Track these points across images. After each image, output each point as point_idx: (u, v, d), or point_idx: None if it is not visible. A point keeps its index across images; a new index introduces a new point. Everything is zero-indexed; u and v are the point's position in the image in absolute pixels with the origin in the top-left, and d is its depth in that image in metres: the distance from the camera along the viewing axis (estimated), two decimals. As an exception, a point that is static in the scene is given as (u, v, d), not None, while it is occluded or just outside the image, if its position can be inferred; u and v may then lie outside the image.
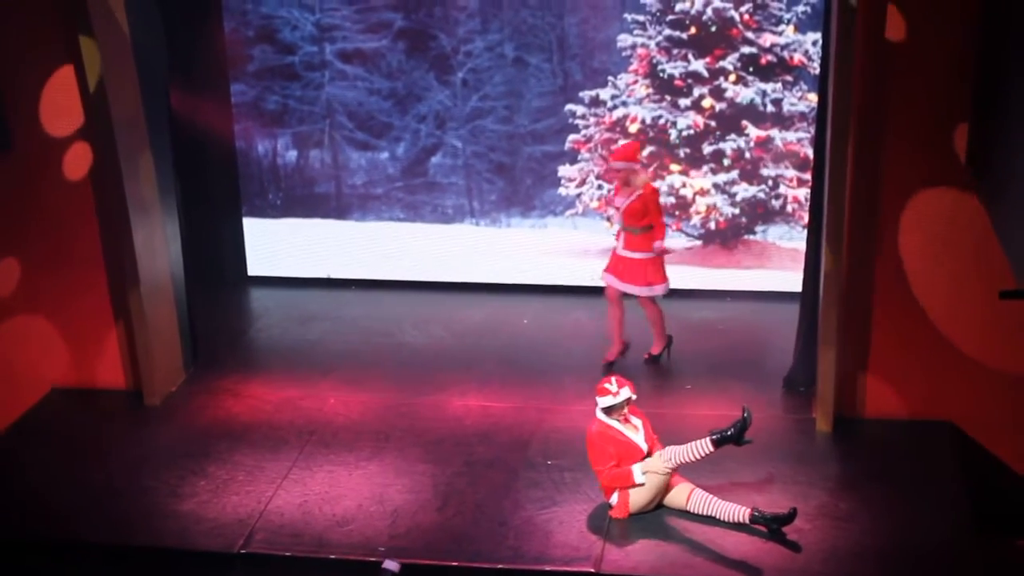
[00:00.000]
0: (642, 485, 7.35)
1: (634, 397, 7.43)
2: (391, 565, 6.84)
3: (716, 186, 10.63)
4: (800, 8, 10.21)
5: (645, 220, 9.12)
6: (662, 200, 10.74)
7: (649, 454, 7.46)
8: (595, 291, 10.79)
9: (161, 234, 9.00)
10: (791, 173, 10.45)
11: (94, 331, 9.14)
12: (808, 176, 9.88)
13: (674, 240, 10.82)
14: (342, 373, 9.44)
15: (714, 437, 7.29)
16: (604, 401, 7.42)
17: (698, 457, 7.32)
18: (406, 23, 10.75)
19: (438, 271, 11.20)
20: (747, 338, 9.86)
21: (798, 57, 10.32)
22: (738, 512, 7.27)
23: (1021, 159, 6.36)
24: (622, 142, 9.28)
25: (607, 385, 7.42)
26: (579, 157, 10.81)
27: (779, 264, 10.63)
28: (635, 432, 7.49)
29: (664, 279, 9.29)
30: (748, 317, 9.93)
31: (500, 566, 7.07)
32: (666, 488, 7.46)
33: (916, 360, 8.31)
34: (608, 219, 10.74)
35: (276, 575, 7.26)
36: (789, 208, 10.58)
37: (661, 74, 10.52)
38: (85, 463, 8.27)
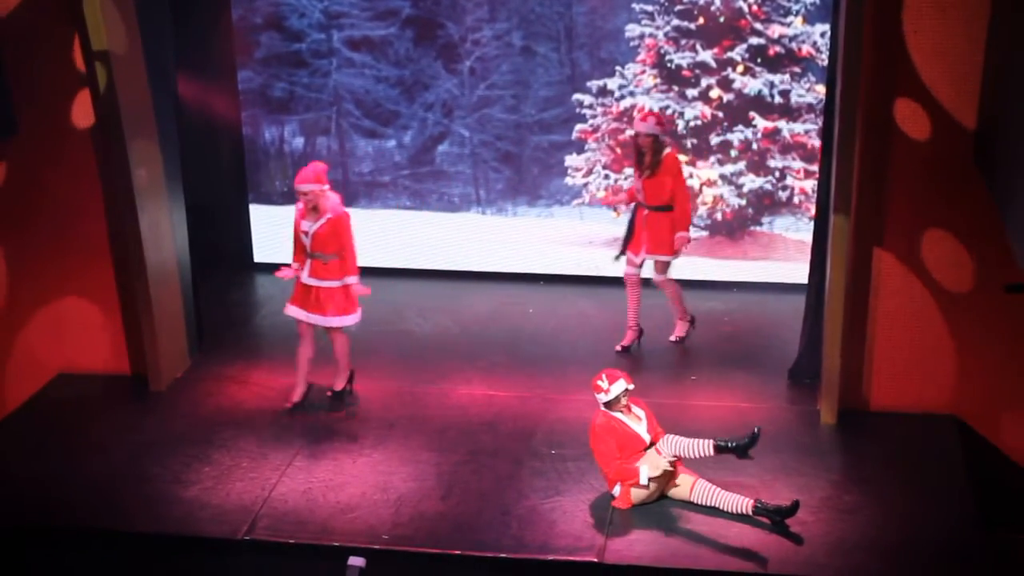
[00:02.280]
0: (646, 487, 7.37)
1: (631, 388, 7.44)
2: (356, 561, 6.85)
3: (723, 177, 10.62)
4: (809, -1, 10.22)
5: (335, 247, 8.45)
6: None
7: (653, 443, 7.46)
8: (601, 281, 10.81)
9: (167, 220, 9.01)
10: (798, 164, 10.43)
11: (100, 317, 9.15)
12: (815, 168, 9.86)
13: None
14: (347, 361, 9.45)
15: (717, 443, 7.31)
16: (599, 398, 7.48)
17: (696, 456, 7.34)
18: (414, 11, 10.74)
19: (444, 260, 11.20)
20: (753, 329, 9.86)
21: (806, 48, 10.30)
22: (741, 503, 7.27)
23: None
24: (311, 165, 8.46)
25: (599, 382, 7.46)
26: (586, 147, 10.80)
27: (785, 255, 10.62)
28: (638, 423, 7.50)
29: (356, 308, 8.62)
30: (754, 308, 9.92)
31: (503, 555, 7.07)
32: (669, 478, 7.46)
33: (921, 353, 8.30)
34: (615, 210, 10.71)
35: (280, 562, 7.27)
36: (796, 199, 10.57)
37: (669, 64, 10.50)
38: (90, 448, 8.28)
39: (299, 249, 8.59)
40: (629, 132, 10.23)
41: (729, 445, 7.31)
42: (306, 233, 8.46)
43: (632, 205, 9.42)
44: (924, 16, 7.63)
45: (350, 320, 8.62)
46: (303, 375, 8.77)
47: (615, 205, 9.53)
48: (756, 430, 7.33)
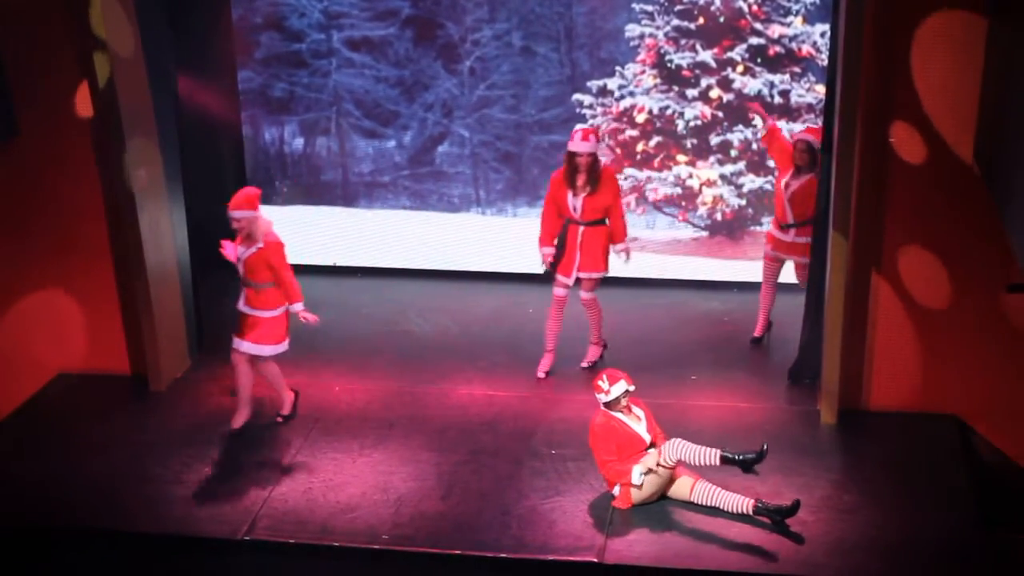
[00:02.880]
0: (640, 487, 7.37)
1: (631, 389, 7.44)
2: None
3: (723, 177, 10.62)
4: (809, -1, 10.23)
5: (269, 276, 8.20)
6: (669, 191, 10.73)
7: (652, 444, 7.47)
8: (600, 281, 10.78)
9: (167, 221, 9.01)
10: (798, 164, 10.42)
11: (100, 317, 9.14)
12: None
13: (680, 231, 10.81)
14: (347, 361, 9.44)
15: (724, 455, 7.30)
16: (599, 399, 7.49)
17: (700, 464, 7.33)
18: (414, 11, 10.75)
19: (444, 260, 11.20)
20: (753, 329, 9.83)
21: (806, 48, 10.30)
22: (741, 503, 7.27)
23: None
24: (243, 190, 8.26)
25: (599, 383, 7.47)
26: (586, 147, 10.79)
27: (785, 256, 10.61)
28: (638, 423, 7.50)
29: (280, 339, 8.30)
30: (754, 308, 9.90)
31: (503, 555, 7.07)
32: (670, 479, 7.46)
33: (921, 353, 8.30)
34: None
35: (280, 562, 7.27)
36: (796, 200, 10.56)
37: (669, 64, 10.51)
38: (90, 449, 8.28)
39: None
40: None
41: (736, 458, 7.30)
42: (239, 260, 8.26)
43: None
44: (926, 26, 7.65)
45: (266, 351, 8.28)
46: (282, 388, 8.57)
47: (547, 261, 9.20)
48: (764, 447, 7.32)
